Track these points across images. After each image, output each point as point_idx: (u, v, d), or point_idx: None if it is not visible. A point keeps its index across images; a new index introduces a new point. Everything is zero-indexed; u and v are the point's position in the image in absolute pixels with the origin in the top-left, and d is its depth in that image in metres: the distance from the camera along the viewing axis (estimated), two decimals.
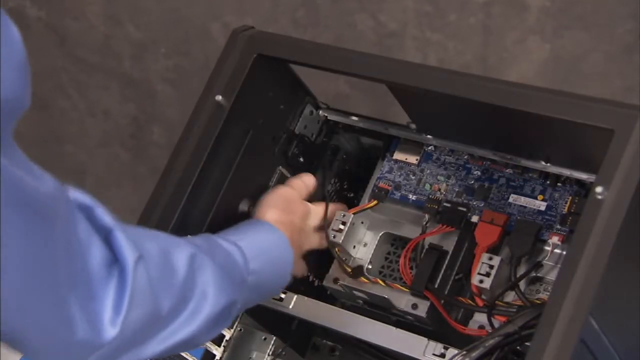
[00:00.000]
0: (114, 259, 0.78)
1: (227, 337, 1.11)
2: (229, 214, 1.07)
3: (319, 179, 1.15)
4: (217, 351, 1.11)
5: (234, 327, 1.12)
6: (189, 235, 0.95)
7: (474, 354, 0.97)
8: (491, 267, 1.02)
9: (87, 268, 0.75)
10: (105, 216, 0.79)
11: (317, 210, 1.10)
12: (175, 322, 0.84)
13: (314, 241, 1.09)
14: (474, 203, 1.10)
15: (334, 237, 1.09)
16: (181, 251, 0.86)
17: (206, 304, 0.86)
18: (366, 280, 1.09)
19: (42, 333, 0.73)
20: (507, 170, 1.10)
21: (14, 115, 0.66)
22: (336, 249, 1.09)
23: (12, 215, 0.66)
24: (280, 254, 1.00)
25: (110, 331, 0.76)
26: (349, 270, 1.10)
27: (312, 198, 1.12)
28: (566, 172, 1.05)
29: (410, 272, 1.08)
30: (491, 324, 1.02)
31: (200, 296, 0.86)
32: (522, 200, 1.08)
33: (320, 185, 1.15)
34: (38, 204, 0.69)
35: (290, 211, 1.05)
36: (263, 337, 1.17)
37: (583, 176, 1.04)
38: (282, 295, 1.10)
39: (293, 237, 1.02)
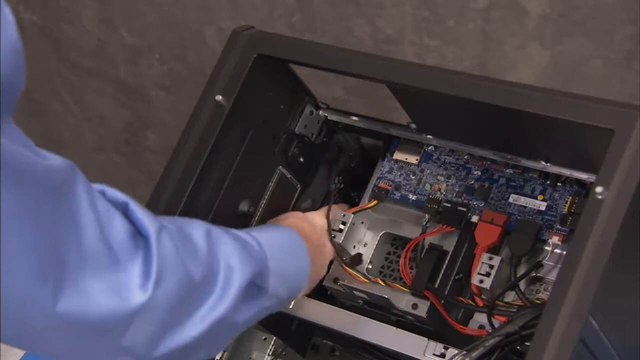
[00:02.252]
0: (136, 231, 0.78)
1: None
2: (229, 214, 1.07)
3: (324, 174, 1.15)
4: None
5: None
6: None
7: (474, 354, 0.97)
8: (491, 267, 1.02)
9: (109, 241, 0.75)
10: (118, 193, 0.80)
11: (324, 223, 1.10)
12: (210, 298, 0.83)
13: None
14: (474, 203, 1.10)
15: (334, 237, 1.09)
16: (195, 227, 0.87)
17: (234, 275, 0.86)
18: (366, 280, 1.09)
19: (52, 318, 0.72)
20: (507, 170, 1.10)
21: (14, 94, 0.67)
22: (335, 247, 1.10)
23: (14, 190, 0.66)
24: (295, 247, 1.00)
25: (141, 295, 0.75)
26: (347, 260, 1.10)
27: (316, 195, 1.12)
28: (566, 172, 1.05)
29: (410, 272, 1.08)
30: (491, 324, 1.02)
31: (226, 269, 0.85)
32: (522, 200, 1.08)
33: (325, 180, 1.15)
34: (42, 178, 0.69)
35: (299, 228, 1.05)
36: (263, 337, 1.17)
37: (583, 176, 1.04)
38: None
39: (307, 247, 1.02)
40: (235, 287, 0.85)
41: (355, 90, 1.67)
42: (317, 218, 1.09)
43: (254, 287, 0.89)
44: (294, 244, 1.00)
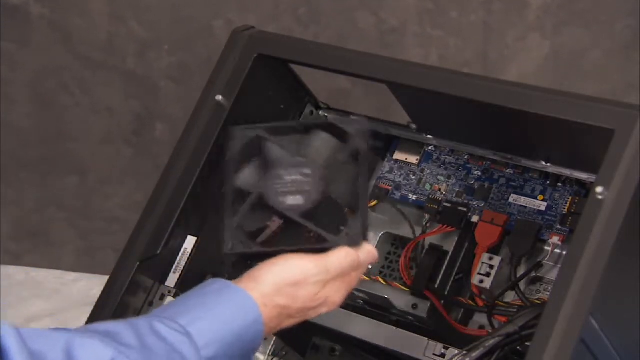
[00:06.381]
0: None
1: None
2: None
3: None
4: None
5: None
6: (129, 318, 0.79)
7: (474, 354, 0.97)
8: (491, 267, 1.02)
9: None
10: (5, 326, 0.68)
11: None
12: None
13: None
14: (474, 203, 1.10)
15: None
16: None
17: None
18: (366, 278, 1.09)
19: None
20: (508, 170, 1.10)
21: None
22: None
23: None
24: (244, 331, 0.81)
25: None
26: None
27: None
28: (566, 172, 1.05)
29: (411, 272, 1.08)
30: (491, 324, 1.03)
31: None
32: (523, 200, 1.08)
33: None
34: None
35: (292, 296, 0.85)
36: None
37: (583, 176, 1.04)
38: None
39: (274, 317, 0.84)
40: None
41: (361, 80, 1.67)
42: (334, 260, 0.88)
43: None
44: (245, 335, 0.81)
